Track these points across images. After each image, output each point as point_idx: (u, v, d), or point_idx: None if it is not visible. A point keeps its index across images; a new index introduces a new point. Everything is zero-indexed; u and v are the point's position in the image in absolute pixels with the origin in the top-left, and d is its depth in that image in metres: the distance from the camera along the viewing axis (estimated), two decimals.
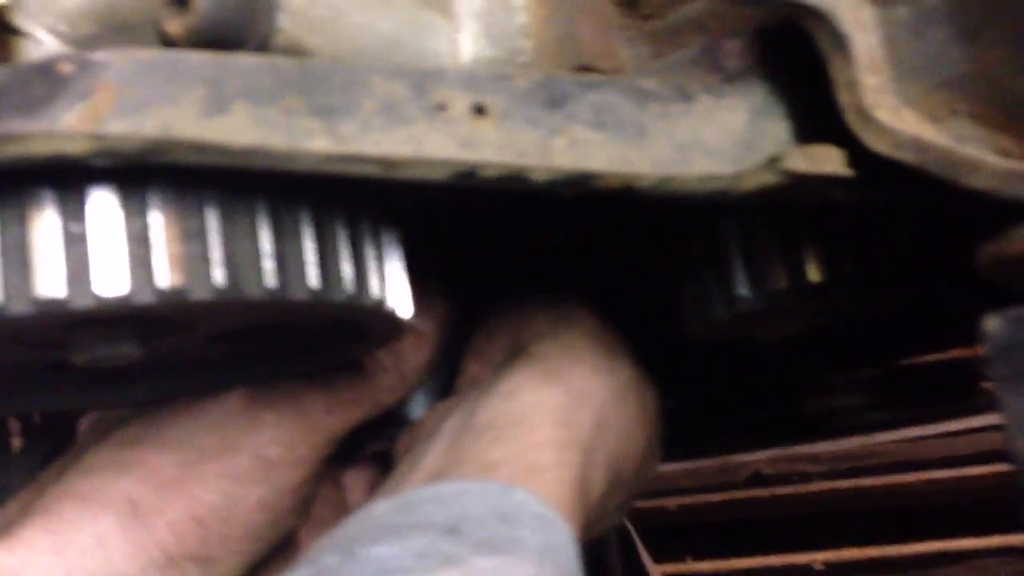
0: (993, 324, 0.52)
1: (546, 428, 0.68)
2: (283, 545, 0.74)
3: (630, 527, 1.86)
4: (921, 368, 0.93)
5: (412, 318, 0.70)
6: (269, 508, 0.69)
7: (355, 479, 0.80)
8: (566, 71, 0.63)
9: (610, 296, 0.93)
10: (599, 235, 0.91)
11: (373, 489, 0.79)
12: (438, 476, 0.66)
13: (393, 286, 0.62)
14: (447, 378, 0.81)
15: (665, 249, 0.81)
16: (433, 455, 0.69)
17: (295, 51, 0.56)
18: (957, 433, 2.61)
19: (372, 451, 0.81)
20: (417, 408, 0.81)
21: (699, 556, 2.76)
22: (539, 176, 0.55)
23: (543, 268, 0.91)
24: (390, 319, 0.62)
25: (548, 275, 0.89)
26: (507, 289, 0.82)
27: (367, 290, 0.59)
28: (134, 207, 0.51)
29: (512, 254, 0.88)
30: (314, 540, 0.74)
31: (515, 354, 0.74)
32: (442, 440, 0.69)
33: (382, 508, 0.61)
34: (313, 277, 0.55)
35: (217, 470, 0.68)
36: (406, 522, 0.58)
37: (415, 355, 0.76)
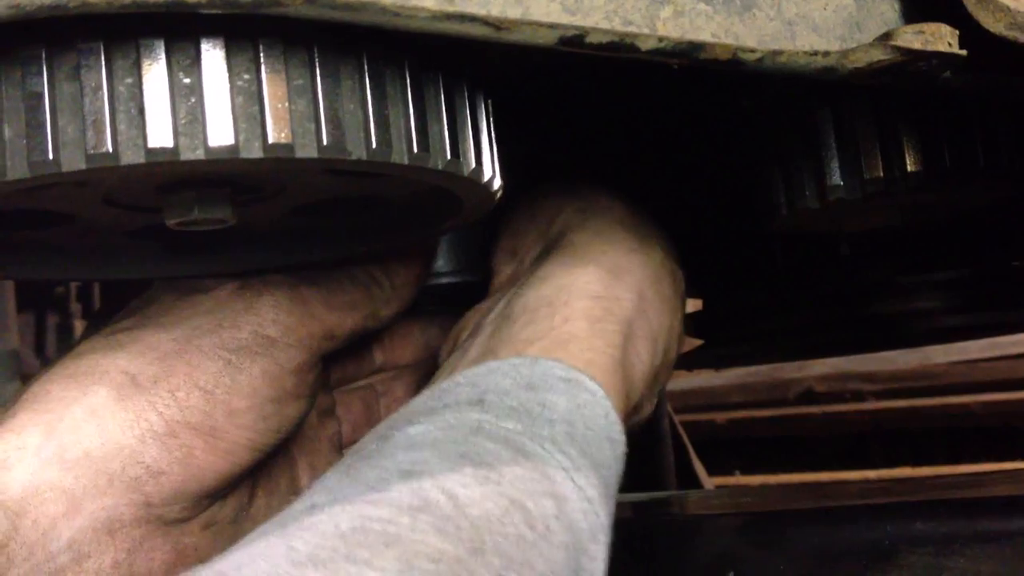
0: None
1: (577, 303, 0.68)
2: (284, 465, 0.74)
3: (685, 438, 1.87)
4: (1005, 273, 0.91)
5: None
6: (272, 381, 0.68)
7: (348, 411, 0.81)
8: None
9: (670, 187, 0.92)
10: (665, 123, 0.90)
11: (368, 419, 0.80)
12: (475, 365, 0.66)
13: (487, 157, 0.62)
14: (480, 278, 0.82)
15: (740, 137, 0.80)
16: (473, 349, 0.69)
17: None
18: (1017, 356, 2.59)
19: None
20: None
21: (748, 470, 2.78)
22: (646, 45, 0.55)
23: (569, 161, 0.90)
24: (484, 190, 0.62)
25: (575, 168, 0.88)
26: (529, 183, 0.82)
27: (464, 158, 0.59)
28: (245, 61, 0.51)
29: (538, 149, 0.87)
30: (311, 465, 0.76)
31: (549, 248, 0.75)
32: (481, 335, 0.70)
33: (420, 398, 0.62)
34: (414, 142, 0.55)
35: (216, 342, 0.67)
36: (439, 404, 0.59)
37: (405, 270, 0.76)
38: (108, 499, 0.62)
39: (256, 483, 0.72)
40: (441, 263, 0.85)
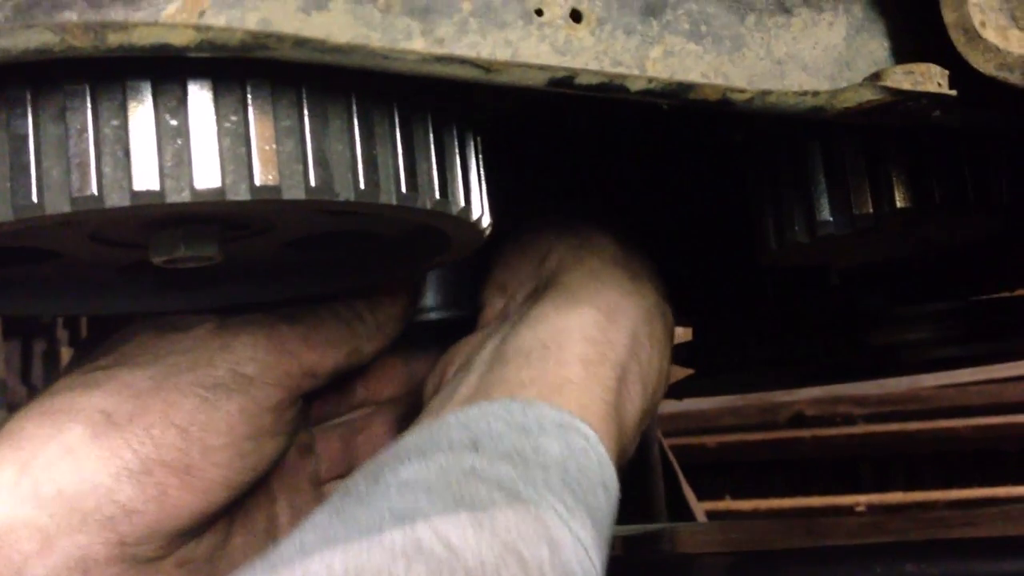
0: None
1: (573, 347, 0.67)
2: (263, 503, 0.74)
3: (676, 465, 1.87)
4: (996, 304, 0.91)
5: None
6: (249, 419, 0.67)
7: (327, 447, 0.80)
8: None
9: (661, 217, 0.92)
10: (658, 161, 0.90)
11: (345, 456, 0.79)
12: (467, 404, 0.65)
13: (476, 195, 0.61)
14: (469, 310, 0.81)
15: (731, 169, 0.79)
16: (464, 387, 0.69)
17: None
18: (1006, 380, 2.59)
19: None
20: None
21: (738, 494, 2.77)
22: (635, 86, 0.54)
23: (561, 194, 0.90)
24: (472, 228, 0.62)
25: (567, 201, 0.88)
26: (524, 216, 0.81)
27: (452, 197, 0.59)
28: (232, 103, 0.50)
29: (531, 181, 0.87)
30: (290, 503, 0.75)
31: (543, 286, 0.74)
32: (473, 372, 0.69)
33: (410, 436, 0.61)
34: (403, 182, 0.55)
35: (193, 380, 0.66)
36: (431, 445, 0.59)
37: (391, 304, 0.75)
38: (82, 537, 0.61)
39: (233, 521, 0.71)
40: (428, 299, 0.85)
